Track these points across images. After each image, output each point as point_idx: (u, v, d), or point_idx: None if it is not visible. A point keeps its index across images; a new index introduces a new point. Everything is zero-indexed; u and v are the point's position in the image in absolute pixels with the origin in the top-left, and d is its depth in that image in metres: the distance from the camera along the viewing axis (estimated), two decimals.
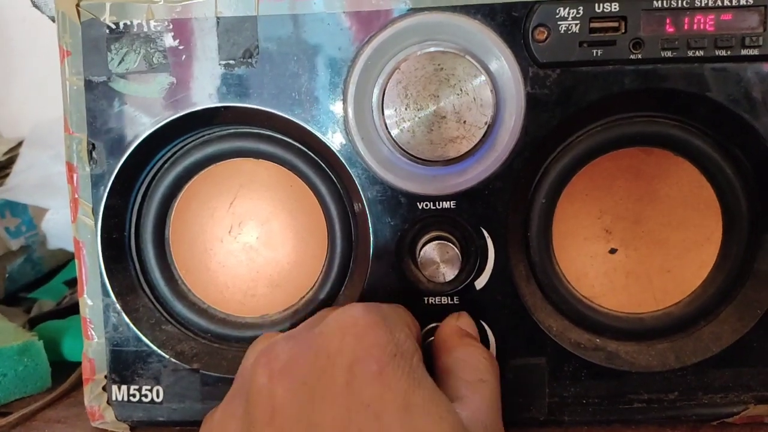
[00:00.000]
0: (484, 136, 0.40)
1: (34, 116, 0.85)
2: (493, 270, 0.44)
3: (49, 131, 0.76)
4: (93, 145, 0.44)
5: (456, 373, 0.39)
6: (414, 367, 0.34)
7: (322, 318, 0.37)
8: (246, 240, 0.48)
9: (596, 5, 0.41)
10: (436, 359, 0.41)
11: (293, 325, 0.47)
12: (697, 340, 0.45)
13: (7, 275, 0.76)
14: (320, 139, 0.43)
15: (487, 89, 0.40)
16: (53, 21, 0.44)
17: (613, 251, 0.47)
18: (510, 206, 0.44)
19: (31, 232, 0.78)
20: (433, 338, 0.43)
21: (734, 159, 0.44)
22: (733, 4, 0.41)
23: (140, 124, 0.44)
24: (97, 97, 0.44)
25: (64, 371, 0.56)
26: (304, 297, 0.48)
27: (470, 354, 0.40)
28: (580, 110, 0.42)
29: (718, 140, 0.44)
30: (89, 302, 0.46)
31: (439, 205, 0.44)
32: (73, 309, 0.58)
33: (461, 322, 0.43)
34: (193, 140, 0.46)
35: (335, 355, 0.34)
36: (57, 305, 0.72)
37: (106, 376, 0.46)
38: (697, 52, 0.42)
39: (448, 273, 0.43)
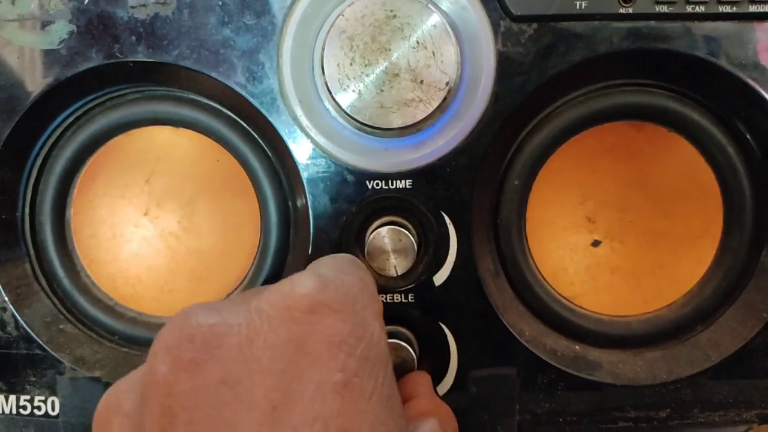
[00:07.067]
0: (444, 100, 0.36)
1: None
2: (455, 263, 0.40)
3: None
4: None
5: None
6: (388, 381, 0.25)
7: (263, 291, 0.27)
8: (165, 225, 0.42)
9: None
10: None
11: None
12: (693, 348, 0.42)
13: None
14: (250, 103, 0.38)
15: (449, 43, 0.35)
16: None
17: (596, 243, 0.43)
18: (476, 188, 0.39)
19: None
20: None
21: (738, 136, 0.40)
22: None
23: (34, 81, 0.38)
24: None
25: None
26: (231, 294, 0.42)
27: None
28: (560, 74, 0.38)
29: (720, 114, 0.40)
30: None
31: (392, 185, 0.39)
32: None
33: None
34: (98, 103, 0.41)
35: (274, 348, 0.24)
36: None
37: None
38: (697, 7, 0.37)
39: (401, 265, 0.38)
